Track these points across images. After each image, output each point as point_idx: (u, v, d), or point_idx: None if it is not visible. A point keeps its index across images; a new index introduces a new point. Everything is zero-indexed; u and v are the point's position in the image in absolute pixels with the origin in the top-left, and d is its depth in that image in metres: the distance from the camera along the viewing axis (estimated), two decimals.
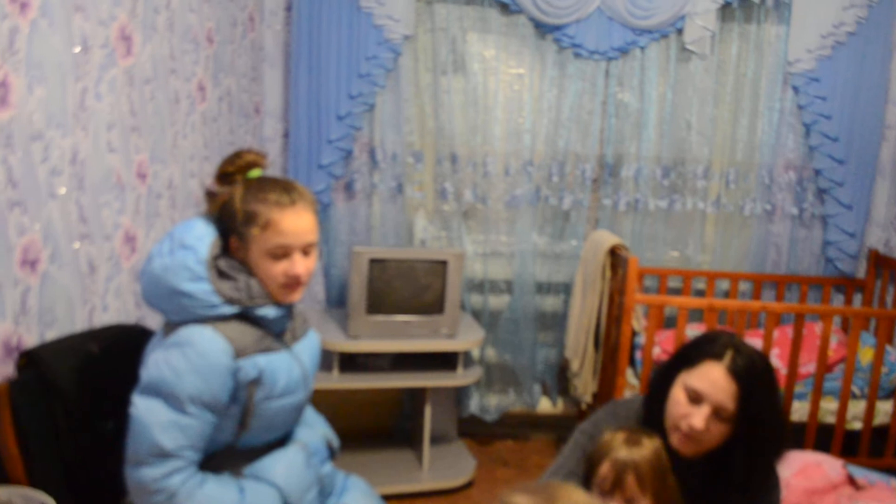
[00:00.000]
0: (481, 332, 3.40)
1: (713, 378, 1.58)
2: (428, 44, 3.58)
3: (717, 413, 1.58)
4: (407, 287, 3.23)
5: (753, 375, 1.58)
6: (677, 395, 1.63)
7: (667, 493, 1.57)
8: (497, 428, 3.90)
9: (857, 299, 3.94)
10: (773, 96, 3.74)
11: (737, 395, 1.57)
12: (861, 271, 3.91)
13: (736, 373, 1.57)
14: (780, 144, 3.77)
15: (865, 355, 3.29)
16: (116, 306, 2.02)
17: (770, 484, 1.71)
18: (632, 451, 1.57)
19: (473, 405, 3.78)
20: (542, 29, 3.59)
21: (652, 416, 1.70)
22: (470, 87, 3.61)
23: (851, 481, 2.65)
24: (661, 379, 1.71)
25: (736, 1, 3.64)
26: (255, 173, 1.68)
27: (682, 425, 1.60)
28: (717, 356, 1.60)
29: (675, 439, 1.63)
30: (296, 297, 1.67)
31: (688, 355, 1.67)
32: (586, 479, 1.64)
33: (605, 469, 1.58)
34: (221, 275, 1.59)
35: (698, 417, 1.57)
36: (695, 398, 1.60)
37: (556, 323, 3.87)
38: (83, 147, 1.79)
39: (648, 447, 1.59)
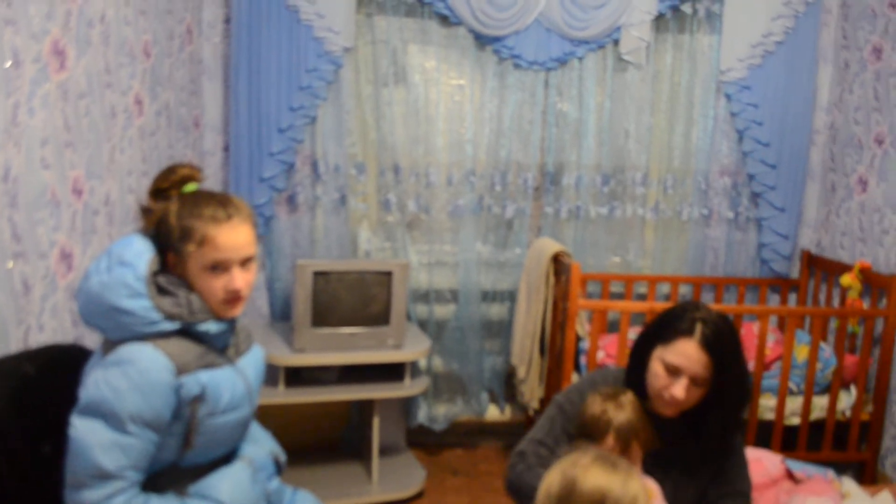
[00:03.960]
0: (428, 341, 3.41)
1: (688, 353, 1.77)
2: (369, 56, 3.59)
3: (693, 381, 1.78)
4: (352, 299, 3.23)
5: (722, 344, 1.79)
6: (656, 369, 1.82)
7: (647, 434, 1.82)
8: (446, 437, 3.91)
9: (792, 299, 4.06)
10: (706, 104, 3.85)
11: (710, 365, 1.77)
12: (795, 271, 4.04)
13: (707, 345, 1.77)
14: (715, 151, 3.88)
15: (801, 353, 3.39)
16: (53, 326, 1.98)
17: (739, 439, 1.96)
18: (621, 415, 1.79)
19: (422, 415, 3.78)
20: (481, 40, 3.63)
21: (632, 386, 1.90)
22: (411, 98, 3.63)
23: (790, 475, 2.72)
24: (638, 353, 1.91)
25: (669, 12, 3.74)
26: (190, 188, 1.65)
27: (665, 395, 1.80)
28: (689, 332, 1.79)
29: (658, 406, 1.84)
30: (237, 311, 1.65)
31: (661, 332, 1.85)
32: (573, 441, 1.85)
33: (611, 441, 1.78)
34: (161, 291, 1.56)
35: (679, 388, 1.78)
36: (673, 371, 1.79)
37: (501, 331, 3.90)
38: (16, 163, 1.75)
39: (630, 404, 1.83)
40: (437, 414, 3.83)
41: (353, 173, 3.66)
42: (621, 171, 3.88)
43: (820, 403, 3.38)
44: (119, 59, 2.39)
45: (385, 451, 3.57)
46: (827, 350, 3.42)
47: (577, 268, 3.09)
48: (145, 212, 1.65)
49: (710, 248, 3.98)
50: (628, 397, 1.84)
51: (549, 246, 3.40)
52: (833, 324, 3.64)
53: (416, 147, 3.66)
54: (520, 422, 3.92)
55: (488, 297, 3.85)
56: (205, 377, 1.57)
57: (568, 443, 1.90)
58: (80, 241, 2.12)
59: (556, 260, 3.37)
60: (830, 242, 3.88)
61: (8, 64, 1.70)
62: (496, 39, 3.61)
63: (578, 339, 3.44)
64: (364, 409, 3.52)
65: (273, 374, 3.12)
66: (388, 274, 3.24)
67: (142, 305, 1.51)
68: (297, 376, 3.26)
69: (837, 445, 3.49)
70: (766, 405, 3.34)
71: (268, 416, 2.32)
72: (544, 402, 3.49)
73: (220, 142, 3.55)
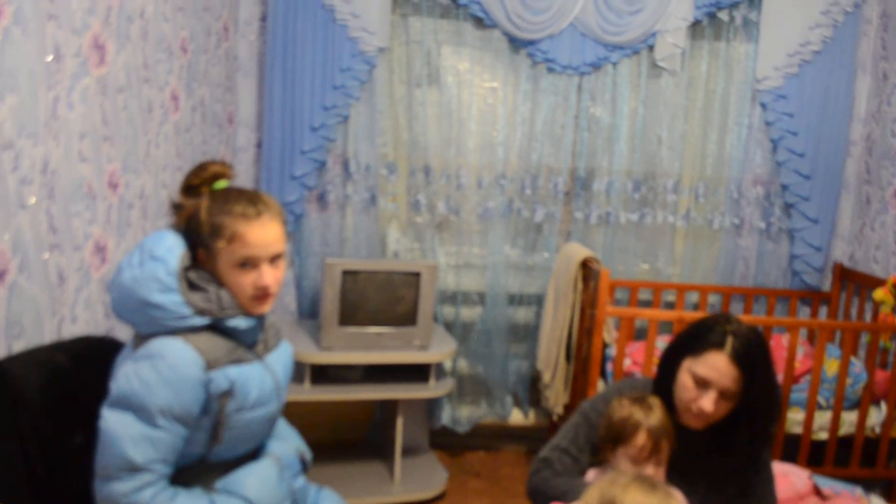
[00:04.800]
0: (453, 343, 3.41)
1: (718, 366, 1.75)
2: (403, 56, 3.59)
3: (722, 394, 1.76)
4: (380, 299, 3.23)
5: (752, 357, 1.76)
6: (685, 381, 1.80)
7: (672, 437, 1.79)
8: (469, 439, 3.91)
9: (823, 311, 4.01)
10: (741, 112, 3.81)
11: (739, 378, 1.75)
12: (827, 284, 3.98)
13: (738, 359, 1.75)
14: (749, 160, 3.83)
15: (831, 367, 3.34)
16: (86, 317, 2.00)
17: (767, 454, 1.93)
18: (651, 417, 1.77)
19: (445, 417, 3.78)
20: (515, 43, 3.62)
21: (660, 397, 1.87)
22: (444, 99, 3.63)
23: (817, 492, 2.69)
24: (667, 364, 1.88)
25: (705, 19, 3.71)
26: (220, 185, 1.67)
27: (693, 408, 1.78)
28: (719, 345, 1.77)
29: (686, 418, 1.82)
30: (266, 307, 1.66)
31: (691, 344, 1.83)
32: (598, 450, 1.87)
33: (641, 440, 1.76)
34: (192, 286, 1.58)
35: (707, 401, 1.76)
36: (702, 384, 1.77)
37: (528, 335, 3.88)
38: (54, 156, 1.77)
39: (658, 407, 1.81)
40: (460, 416, 3.82)
41: (383, 173, 3.67)
42: (653, 178, 3.85)
43: (849, 419, 3.33)
44: (157, 55, 2.42)
45: (408, 451, 3.57)
46: (857, 365, 3.36)
47: (606, 274, 3.07)
48: (177, 208, 1.67)
49: (741, 258, 3.93)
50: (655, 400, 1.83)
51: (578, 251, 3.38)
52: (864, 338, 3.58)
53: (447, 148, 3.66)
54: (544, 427, 3.90)
55: (515, 300, 3.84)
56: (234, 372, 1.58)
57: (591, 453, 1.90)
58: (114, 234, 2.15)
59: (585, 265, 3.35)
60: (864, 256, 3.82)
61: (49, 58, 1.73)
62: (530, 43, 3.60)
63: (605, 345, 3.42)
64: (388, 409, 3.52)
65: (299, 372, 3.13)
66: (417, 275, 3.24)
67: (172, 300, 1.53)
68: (324, 374, 3.28)
69: (866, 462, 3.43)
70: (794, 419, 3.30)
71: (293, 413, 2.33)
72: (569, 407, 3.47)
73: (253, 138, 3.58)
